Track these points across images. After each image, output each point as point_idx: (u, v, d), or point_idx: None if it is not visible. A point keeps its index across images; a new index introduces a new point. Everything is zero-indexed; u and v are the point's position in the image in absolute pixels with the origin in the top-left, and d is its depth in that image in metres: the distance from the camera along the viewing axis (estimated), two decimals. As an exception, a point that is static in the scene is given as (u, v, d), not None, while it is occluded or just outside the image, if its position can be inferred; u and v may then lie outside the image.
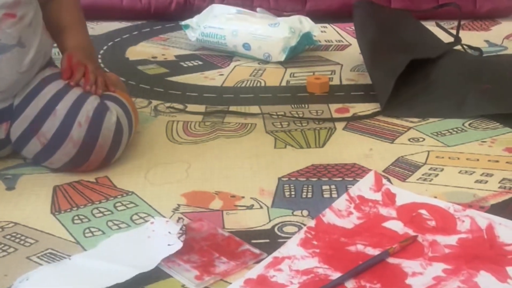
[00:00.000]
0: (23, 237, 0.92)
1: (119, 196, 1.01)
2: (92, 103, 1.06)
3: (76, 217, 0.97)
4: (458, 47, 1.53)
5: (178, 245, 0.86)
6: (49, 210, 0.98)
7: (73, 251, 0.89)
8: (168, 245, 0.86)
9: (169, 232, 0.88)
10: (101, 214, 0.97)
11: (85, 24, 1.23)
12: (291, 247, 0.88)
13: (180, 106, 1.33)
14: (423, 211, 0.96)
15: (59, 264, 0.86)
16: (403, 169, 1.09)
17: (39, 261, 0.87)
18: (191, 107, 1.34)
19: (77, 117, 1.04)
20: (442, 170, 1.09)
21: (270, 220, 0.95)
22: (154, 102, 1.36)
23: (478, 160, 1.12)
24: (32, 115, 1.05)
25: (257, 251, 0.87)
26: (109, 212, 0.98)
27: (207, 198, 1.01)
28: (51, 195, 1.02)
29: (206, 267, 0.84)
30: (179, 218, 0.91)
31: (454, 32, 1.56)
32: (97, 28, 1.82)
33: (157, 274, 0.83)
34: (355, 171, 1.08)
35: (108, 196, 1.02)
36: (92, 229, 0.94)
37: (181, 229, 0.88)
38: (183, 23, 1.71)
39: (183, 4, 1.90)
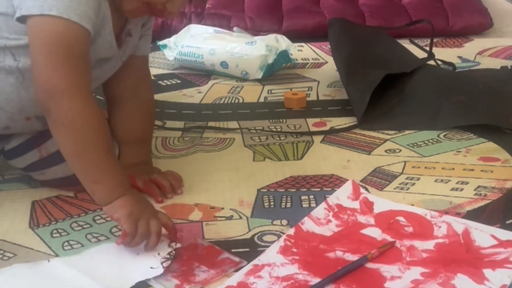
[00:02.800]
0: (1, 251, 0.91)
1: (98, 210, 1.01)
2: None
3: (54, 231, 0.96)
4: (432, 62, 1.56)
5: (159, 270, 0.85)
6: (27, 225, 0.98)
7: (52, 264, 0.88)
8: (151, 268, 0.85)
9: (158, 254, 0.87)
10: (80, 228, 0.97)
11: (151, 137, 1.17)
12: (271, 255, 0.89)
13: (159, 123, 1.34)
14: (400, 218, 0.97)
15: (36, 264, 0.85)
16: (380, 178, 1.11)
17: (17, 274, 0.86)
18: (170, 124, 1.34)
19: None
20: (418, 179, 1.11)
21: (249, 230, 0.96)
22: (133, 120, 1.36)
23: (453, 169, 1.14)
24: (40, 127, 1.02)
25: (236, 259, 0.88)
26: (88, 225, 0.98)
27: (187, 210, 1.01)
28: (30, 210, 1.02)
29: (186, 276, 0.85)
30: (172, 241, 0.90)
31: (427, 48, 1.59)
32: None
33: (137, 283, 0.83)
34: (333, 182, 1.09)
35: (87, 210, 1.02)
36: (71, 242, 0.93)
37: (169, 253, 0.87)
38: (160, 43, 1.72)
39: (161, 26, 1.91)
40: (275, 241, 0.92)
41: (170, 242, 0.89)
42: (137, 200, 0.90)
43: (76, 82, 0.87)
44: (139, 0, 0.95)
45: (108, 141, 0.90)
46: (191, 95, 1.51)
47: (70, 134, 0.88)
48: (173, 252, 0.88)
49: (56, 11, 0.86)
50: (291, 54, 1.67)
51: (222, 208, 1.02)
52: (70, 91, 0.86)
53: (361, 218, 0.98)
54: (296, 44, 1.75)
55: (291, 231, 0.94)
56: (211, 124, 1.34)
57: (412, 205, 1.01)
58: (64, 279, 0.84)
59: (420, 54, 1.57)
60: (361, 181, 1.09)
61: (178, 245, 0.89)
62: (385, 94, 1.38)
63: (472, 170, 1.13)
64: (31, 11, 0.87)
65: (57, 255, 0.90)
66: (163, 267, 0.85)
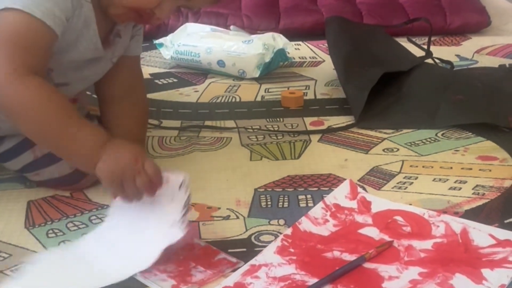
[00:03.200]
0: (-4, 252, 0.91)
1: (94, 210, 1.01)
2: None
3: (50, 231, 0.96)
4: (430, 60, 1.55)
5: (178, 234, 0.85)
6: (23, 225, 0.97)
7: (48, 264, 0.88)
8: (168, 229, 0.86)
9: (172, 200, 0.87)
10: (75, 228, 0.96)
11: (145, 136, 1.17)
12: (268, 255, 0.88)
13: (156, 122, 1.33)
14: (398, 218, 0.97)
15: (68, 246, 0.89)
16: (378, 178, 1.10)
17: (12, 274, 0.85)
18: (166, 123, 1.34)
19: None
20: (416, 178, 1.10)
21: (246, 230, 0.95)
22: (129, 119, 1.35)
23: (451, 168, 1.13)
24: None
25: (233, 259, 0.87)
26: (84, 225, 0.97)
27: (183, 210, 1.01)
28: (25, 210, 1.01)
29: (183, 277, 0.84)
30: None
31: (425, 47, 1.59)
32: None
33: (133, 284, 0.83)
34: (331, 181, 1.09)
35: (83, 209, 1.01)
36: (67, 242, 0.93)
37: (184, 205, 0.87)
38: (157, 41, 1.72)
39: (157, 24, 1.91)
40: (272, 241, 0.92)
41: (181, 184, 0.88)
42: (115, 159, 0.87)
43: (24, 67, 0.86)
44: (126, 7, 0.94)
45: (65, 111, 0.88)
46: (188, 94, 1.50)
47: (27, 117, 0.88)
48: (188, 199, 0.88)
49: (19, 4, 0.87)
50: (288, 53, 1.67)
51: (219, 208, 1.01)
52: (18, 75, 0.86)
53: (359, 218, 0.97)
54: (293, 43, 1.74)
55: (288, 231, 0.93)
56: (207, 123, 1.33)
57: (410, 204, 1.01)
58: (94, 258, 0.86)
59: (418, 52, 1.57)
60: (358, 180, 1.09)
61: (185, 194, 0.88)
62: (382, 92, 1.38)
63: (470, 169, 1.13)
64: None
65: (52, 256, 0.90)
66: (182, 230, 0.86)
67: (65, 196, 1.05)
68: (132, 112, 1.10)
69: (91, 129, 0.90)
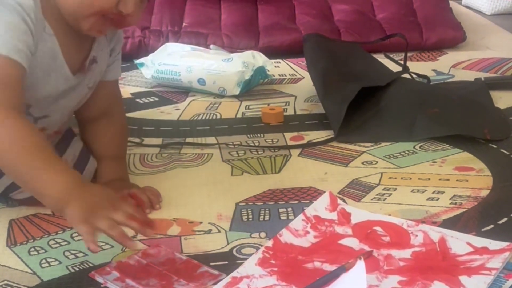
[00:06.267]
0: (-22, 270, 0.90)
1: (76, 227, 1.01)
2: (78, 143, 1.08)
3: (32, 249, 0.96)
4: (407, 75, 1.58)
5: None
6: (5, 244, 0.97)
7: (30, 282, 0.88)
8: None
9: None
10: (57, 245, 0.97)
11: (126, 153, 1.17)
12: (249, 267, 0.89)
13: (137, 140, 1.34)
14: (377, 228, 0.98)
15: None
16: (357, 190, 1.12)
17: (-6, 292, 0.86)
18: (147, 140, 1.35)
19: (63, 156, 1.04)
20: (395, 189, 1.12)
21: (228, 243, 0.96)
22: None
23: (429, 179, 1.15)
24: None
25: (215, 272, 0.88)
26: (66, 242, 0.97)
27: (165, 225, 1.01)
28: (7, 228, 1.01)
29: (165, 290, 0.85)
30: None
31: (402, 62, 1.61)
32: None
33: (115, 299, 0.83)
34: (311, 194, 1.10)
35: (65, 227, 1.01)
36: (49, 260, 0.93)
37: None
38: (137, 61, 1.73)
39: (138, 44, 1.92)
40: (253, 253, 0.92)
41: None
42: (85, 202, 0.83)
43: None
44: (92, 14, 0.93)
45: (38, 153, 0.86)
46: (169, 112, 1.52)
47: None
48: None
49: None
50: (268, 70, 1.69)
51: (201, 222, 1.02)
52: None
53: (339, 229, 0.98)
54: (273, 60, 1.76)
55: (269, 243, 0.94)
56: (189, 140, 1.34)
57: (389, 215, 1.02)
58: None
59: (395, 68, 1.59)
60: (338, 192, 1.10)
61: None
62: (361, 107, 1.40)
63: (448, 180, 1.15)
64: None
65: (35, 273, 0.90)
66: None
67: (47, 214, 1.05)
68: (109, 130, 1.12)
69: (62, 173, 0.86)
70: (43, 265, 0.92)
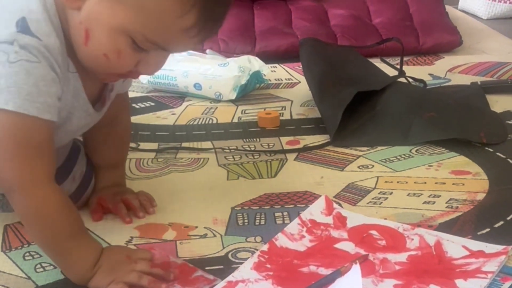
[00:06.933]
0: (-28, 276, 0.90)
1: (71, 232, 1.01)
2: (84, 157, 1.08)
3: (27, 254, 0.95)
4: (403, 79, 1.58)
5: None
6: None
7: (25, 286, 0.88)
8: None
9: None
10: (53, 250, 0.96)
11: (125, 159, 1.15)
12: (245, 271, 0.89)
13: (133, 145, 1.34)
14: (373, 232, 0.98)
15: None
16: (353, 194, 1.12)
17: (-11, 297, 0.85)
18: (143, 145, 1.34)
19: (71, 173, 1.04)
20: (391, 193, 1.12)
21: (223, 247, 0.96)
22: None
23: (425, 183, 1.15)
24: None
25: (210, 276, 0.88)
26: (61, 247, 0.97)
27: (160, 230, 1.01)
28: (2, 234, 1.01)
29: (160, 295, 0.84)
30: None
31: (398, 66, 1.61)
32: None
33: (110, 303, 0.83)
34: (307, 198, 1.10)
35: (60, 232, 1.01)
36: (44, 264, 0.93)
37: None
38: (134, 66, 1.72)
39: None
40: (249, 257, 0.92)
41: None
42: (108, 265, 0.86)
43: (30, 178, 0.83)
44: (108, 74, 0.88)
45: (72, 227, 0.87)
46: (165, 117, 1.51)
47: (30, 227, 0.86)
48: None
49: (12, 105, 0.79)
50: (265, 75, 1.69)
51: (196, 227, 1.02)
52: (23, 188, 0.83)
53: (335, 233, 0.98)
54: (269, 65, 1.76)
55: (265, 247, 0.94)
56: (185, 145, 1.34)
57: (385, 219, 1.02)
58: None
59: (391, 72, 1.59)
60: (334, 196, 1.10)
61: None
62: (357, 111, 1.40)
63: (444, 183, 1.15)
64: None
65: (29, 278, 0.90)
66: None
67: (42, 219, 1.05)
68: (113, 138, 1.09)
69: (87, 249, 0.87)
70: (37, 270, 0.91)
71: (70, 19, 0.84)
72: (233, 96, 1.59)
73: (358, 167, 1.22)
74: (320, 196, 1.08)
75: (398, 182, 1.16)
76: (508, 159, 1.23)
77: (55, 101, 0.84)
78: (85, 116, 0.94)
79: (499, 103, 1.52)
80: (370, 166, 1.22)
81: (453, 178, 1.17)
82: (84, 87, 0.91)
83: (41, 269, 0.92)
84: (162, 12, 0.79)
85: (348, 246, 0.95)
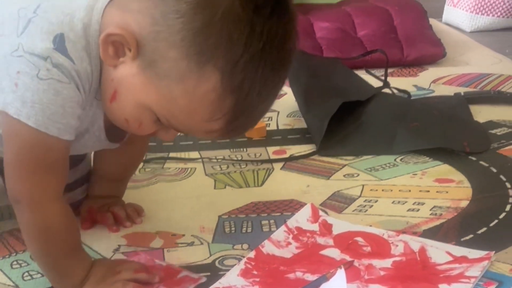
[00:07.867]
0: (-40, 284, 0.90)
1: (59, 240, 1.01)
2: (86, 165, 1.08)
3: (14, 262, 0.96)
4: (387, 90, 1.60)
5: None
6: (-13, 258, 0.98)
7: (12, 294, 0.88)
8: None
9: None
10: (40, 258, 0.97)
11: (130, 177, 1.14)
12: (232, 278, 0.89)
13: (120, 155, 1.34)
14: (358, 239, 0.99)
15: None
16: (339, 202, 1.13)
17: (-24, 305, 0.86)
18: (131, 155, 1.35)
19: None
20: (376, 201, 1.13)
21: (210, 255, 0.97)
22: (94, 153, 1.36)
23: (410, 191, 1.17)
24: None
25: (196, 275, 0.89)
26: (49, 256, 0.97)
27: (148, 238, 1.02)
28: (-11, 243, 1.02)
29: (146, 298, 0.85)
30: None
31: (383, 78, 1.64)
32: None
33: (98, 310, 0.83)
34: (293, 206, 1.11)
35: (48, 241, 1.01)
36: (31, 272, 0.93)
37: None
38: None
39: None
40: (236, 264, 0.93)
41: None
42: (95, 278, 0.88)
43: (40, 194, 0.83)
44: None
45: (72, 245, 0.88)
46: (153, 128, 1.52)
47: (31, 240, 0.87)
48: None
49: (34, 122, 0.79)
50: (251, 86, 1.70)
51: (183, 235, 1.03)
52: (32, 203, 0.83)
53: (320, 240, 0.99)
54: (256, 77, 1.78)
55: (252, 254, 0.95)
56: (172, 155, 1.35)
57: (370, 226, 1.04)
58: None
59: (376, 83, 1.62)
60: (320, 205, 1.11)
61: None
62: (342, 121, 1.41)
63: (428, 191, 1.16)
64: (8, 109, 0.79)
65: (17, 286, 0.90)
66: None
67: (30, 228, 1.05)
68: (125, 158, 1.07)
69: (82, 262, 0.88)
70: (25, 278, 0.92)
71: (106, 68, 0.82)
72: (220, 107, 1.60)
73: (344, 175, 1.24)
74: (306, 204, 1.09)
75: (383, 190, 1.17)
76: (491, 168, 1.25)
77: (76, 121, 0.83)
78: (94, 141, 0.92)
79: (482, 113, 1.54)
80: (355, 175, 1.24)
81: (437, 186, 1.18)
82: (105, 116, 0.89)
83: (29, 277, 0.92)
84: (192, 112, 0.79)
85: (334, 253, 0.96)
